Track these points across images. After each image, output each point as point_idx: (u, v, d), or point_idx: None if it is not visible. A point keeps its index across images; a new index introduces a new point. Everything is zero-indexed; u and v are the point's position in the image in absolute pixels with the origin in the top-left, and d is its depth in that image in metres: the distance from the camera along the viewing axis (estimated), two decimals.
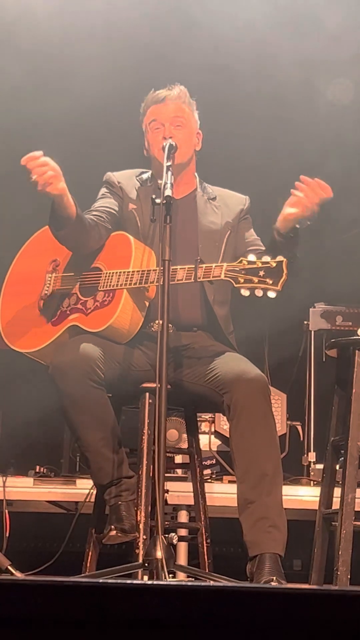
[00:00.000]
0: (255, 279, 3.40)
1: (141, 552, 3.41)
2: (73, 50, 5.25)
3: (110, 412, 3.57)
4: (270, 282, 3.38)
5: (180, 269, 3.57)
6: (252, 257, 3.44)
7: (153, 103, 3.91)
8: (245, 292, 3.41)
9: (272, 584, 3.28)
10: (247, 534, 3.44)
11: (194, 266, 3.53)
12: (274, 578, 3.31)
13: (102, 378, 3.53)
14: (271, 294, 3.39)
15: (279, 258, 3.41)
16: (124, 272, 3.65)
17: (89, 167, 4.32)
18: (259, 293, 3.39)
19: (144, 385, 3.66)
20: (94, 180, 4.06)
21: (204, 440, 4.84)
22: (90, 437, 3.55)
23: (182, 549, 4.58)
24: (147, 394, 3.65)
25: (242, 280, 3.42)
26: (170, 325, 3.61)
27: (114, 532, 3.51)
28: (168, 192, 3.39)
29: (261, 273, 3.40)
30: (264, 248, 3.84)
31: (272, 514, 3.43)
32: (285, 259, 3.40)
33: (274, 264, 3.39)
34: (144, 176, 3.97)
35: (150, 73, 4.81)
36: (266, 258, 3.42)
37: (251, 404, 3.50)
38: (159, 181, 3.50)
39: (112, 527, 3.51)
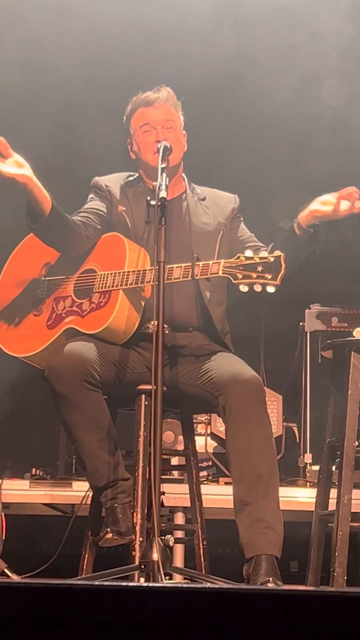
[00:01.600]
0: (254, 275, 3.40)
1: (137, 554, 3.41)
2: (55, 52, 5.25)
3: (106, 414, 3.57)
4: (269, 276, 3.38)
5: (176, 267, 3.56)
6: (249, 253, 3.43)
7: (141, 105, 3.92)
8: (244, 288, 3.41)
9: (269, 585, 3.28)
10: (243, 536, 3.43)
11: (190, 264, 3.53)
12: (270, 579, 3.31)
13: (97, 380, 3.53)
14: (270, 289, 3.38)
15: (277, 253, 3.41)
16: (119, 273, 3.65)
17: (74, 172, 4.32)
18: (257, 288, 3.39)
19: (140, 387, 3.65)
20: (81, 186, 4.06)
21: (200, 442, 4.84)
22: (86, 439, 3.54)
23: (179, 550, 4.58)
24: (143, 396, 3.64)
25: (240, 276, 3.41)
26: (165, 325, 3.61)
27: (110, 535, 3.50)
28: (163, 193, 3.37)
29: (259, 268, 3.39)
30: (261, 244, 3.85)
31: (268, 515, 3.43)
32: (282, 254, 3.40)
33: (272, 259, 3.39)
34: (132, 179, 3.98)
35: (137, 74, 4.81)
36: (263, 253, 3.42)
37: (246, 405, 3.50)
38: (154, 183, 3.50)
39: (108, 529, 3.51)
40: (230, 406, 3.50)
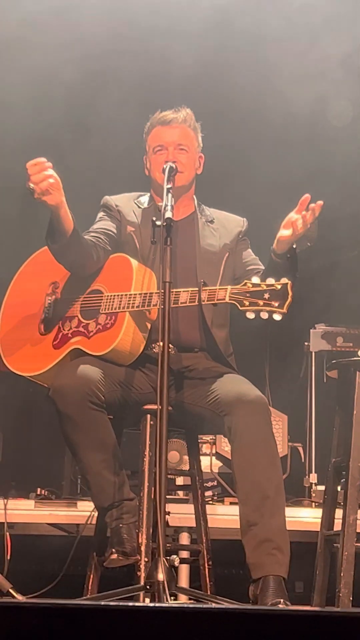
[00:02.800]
0: (261, 302, 3.40)
1: (143, 575, 3.40)
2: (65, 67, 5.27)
3: (111, 434, 3.57)
4: (276, 304, 3.38)
5: (183, 291, 3.57)
6: (256, 280, 3.43)
7: (159, 124, 3.93)
8: (250, 315, 3.41)
9: (280, 606, 3.26)
10: (250, 557, 3.43)
11: (197, 289, 3.53)
12: (281, 600, 3.30)
13: (102, 400, 3.53)
14: (277, 317, 3.38)
15: (284, 280, 3.41)
16: (126, 295, 3.65)
17: (88, 189, 4.33)
18: (264, 316, 3.39)
19: (146, 407, 3.66)
20: (92, 203, 4.08)
21: (205, 461, 4.83)
22: (90, 459, 3.54)
23: (184, 571, 4.57)
24: (149, 416, 3.65)
25: (247, 303, 3.42)
26: (171, 346, 3.62)
27: (115, 555, 3.49)
28: (168, 214, 3.38)
29: (266, 295, 3.40)
30: (263, 267, 3.85)
31: (275, 536, 3.42)
32: (290, 282, 3.40)
33: (279, 287, 3.39)
34: (142, 199, 3.99)
35: (150, 96, 4.84)
36: (270, 280, 3.42)
37: (251, 425, 3.50)
38: (159, 203, 3.51)
39: (113, 550, 3.50)
40: (236, 426, 3.50)
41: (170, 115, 3.93)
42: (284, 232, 3.62)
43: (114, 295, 3.68)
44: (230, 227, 3.99)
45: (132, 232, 3.88)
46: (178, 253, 3.70)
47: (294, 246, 3.67)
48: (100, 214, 3.98)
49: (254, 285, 3.43)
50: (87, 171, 5.31)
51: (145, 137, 3.98)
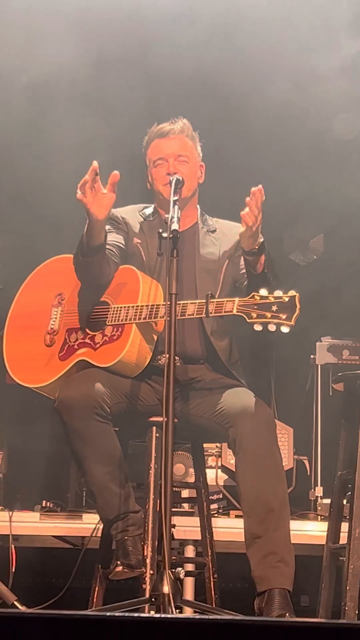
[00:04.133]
0: (269, 314, 3.40)
1: (148, 587, 3.39)
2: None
3: (117, 446, 3.57)
4: (284, 317, 3.38)
5: (190, 303, 3.56)
6: (263, 292, 3.43)
7: (157, 137, 3.94)
8: (257, 327, 3.41)
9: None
10: (256, 569, 3.42)
11: (204, 301, 3.53)
12: (287, 614, 3.29)
13: (108, 412, 3.53)
14: (284, 329, 3.38)
15: (291, 293, 3.41)
16: (132, 307, 3.65)
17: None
18: (272, 328, 3.39)
19: (152, 419, 3.65)
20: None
21: (210, 474, 4.82)
22: (96, 471, 3.54)
23: (189, 584, 4.56)
24: (154, 428, 3.65)
25: (254, 316, 3.42)
26: (177, 358, 3.62)
27: (120, 568, 3.49)
28: (175, 225, 3.38)
29: (274, 308, 3.39)
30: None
31: (280, 549, 3.42)
32: (297, 294, 3.40)
33: (287, 299, 3.39)
34: (147, 211, 4.00)
35: (154, 106, 4.84)
36: (278, 293, 3.41)
37: (256, 438, 3.50)
38: (166, 215, 3.51)
39: (119, 562, 3.50)
40: (241, 439, 3.50)
41: (167, 127, 3.94)
42: (241, 229, 3.59)
43: (121, 307, 3.68)
44: (231, 234, 3.97)
45: (138, 244, 3.89)
46: (182, 264, 3.71)
47: (261, 240, 3.60)
48: (107, 227, 3.93)
49: (262, 297, 3.42)
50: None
51: (144, 152, 3.99)
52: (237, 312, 3.46)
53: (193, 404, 3.71)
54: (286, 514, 3.49)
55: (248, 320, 3.42)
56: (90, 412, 3.50)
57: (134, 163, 4.06)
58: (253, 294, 3.46)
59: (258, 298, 3.43)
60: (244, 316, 3.44)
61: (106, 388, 3.56)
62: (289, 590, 3.40)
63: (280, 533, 3.44)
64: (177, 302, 3.47)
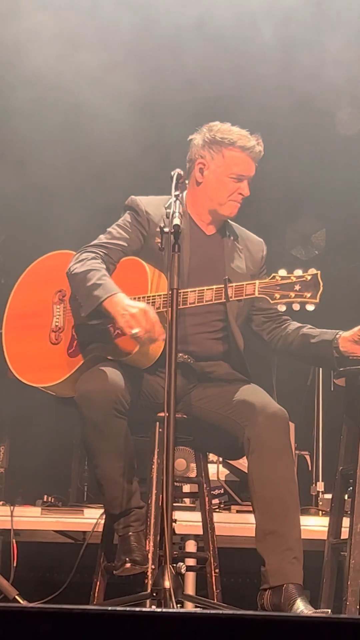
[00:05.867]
0: (292, 294, 3.37)
1: (150, 582, 3.39)
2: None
3: (130, 442, 3.54)
4: (308, 295, 3.36)
5: (207, 289, 3.50)
6: (283, 272, 3.41)
7: (246, 151, 3.74)
8: (281, 308, 3.39)
9: (319, 612, 3.28)
10: (271, 563, 3.42)
11: (222, 286, 3.48)
12: (314, 610, 3.34)
13: (126, 408, 3.50)
14: (310, 307, 3.37)
15: (312, 271, 3.39)
16: (144, 297, 3.57)
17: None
18: (296, 307, 3.37)
19: (160, 414, 3.62)
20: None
21: (212, 469, 4.82)
22: (108, 466, 3.51)
23: (190, 578, 4.56)
24: (158, 423, 3.64)
25: (278, 296, 3.39)
26: (186, 356, 3.62)
27: (129, 565, 3.47)
28: (177, 221, 3.31)
29: (297, 287, 3.37)
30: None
31: (295, 546, 3.45)
32: (319, 271, 3.38)
33: (309, 277, 3.38)
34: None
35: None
36: (298, 271, 3.40)
37: (274, 437, 3.51)
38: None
39: (127, 559, 3.48)
40: (257, 437, 3.51)
41: (257, 148, 3.74)
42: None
43: (132, 298, 3.55)
44: (254, 250, 3.90)
45: (159, 244, 3.74)
46: (207, 269, 3.68)
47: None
48: (127, 218, 3.80)
49: (283, 277, 3.40)
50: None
51: (212, 141, 3.76)
52: (259, 293, 3.43)
53: (207, 398, 3.69)
54: (298, 512, 3.53)
55: (272, 302, 3.40)
56: (110, 407, 3.46)
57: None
58: (273, 274, 3.43)
59: (279, 278, 3.40)
60: (267, 297, 3.41)
61: (125, 383, 3.51)
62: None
63: (296, 532, 3.47)
64: (192, 290, 3.45)
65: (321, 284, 3.35)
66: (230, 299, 3.50)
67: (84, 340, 3.68)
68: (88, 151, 5.37)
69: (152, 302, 3.55)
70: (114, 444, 3.50)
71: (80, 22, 5.11)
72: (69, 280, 3.67)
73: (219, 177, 3.77)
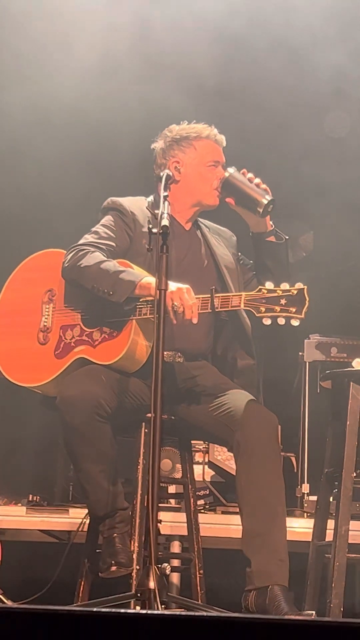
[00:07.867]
0: (277, 308, 3.38)
1: (134, 582, 3.39)
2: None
3: (113, 446, 3.55)
4: (293, 310, 3.37)
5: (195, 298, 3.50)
6: (270, 285, 3.42)
7: (211, 139, 3.86)
8: (266, 321, 3.39)
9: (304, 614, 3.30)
10: (258, 564, 3.43)
11: (209, 295, 3.50)
12: (299, 611, 3.35)
13: (108, 412, 3.50)
14: (294, 322, 3.38)
15: (299, 285, 3.40)
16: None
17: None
18: (281, 321, 3.38)
19: (149, 415, 3.61)
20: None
21: (197, 470, 4.82)
22: (91, 470, 3.52)
23: (175, 579, 4.56)
24: (144, 424, 3.64)
25: (263, 310, 3.39)
26: (179, 354, 3.63)
27: (114, 568, 3.48)
28: (165, 222, 3.29)
29: (283, 301, 3.38)
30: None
31: (281, 548, 3.47)
32: (305, 286, 3.40)
33: (295, 292, 3.38)
34: (154, 203, 3.83)
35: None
36: (285, 285, 3.41)
37: (263, 441, 3.53)
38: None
39: (112, 561, 3.49)
40: (247, 441, 3.52)
41: (219, 135, 3.88)
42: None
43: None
44: (226, 236, 4.00)
45: (145, 245, 3.74)
46: (193, 261, 3.70)
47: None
48: (111, 219, 3.81)
49: (269, 291, 3.41)
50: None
51: (185, 138, 3.85)
52: (245, 306, 3.45)
53: (195, 400, 3.70)
54: (285, 516, 3.54)
55: (256, 315, 3.40)
56: (91, 412, 3.47)
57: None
58: (260, 287, 3.44)
59: (265, 291, 3.41)
60: (252, 311, 3.42)
61: (108, 387, 3.52)
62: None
63: (283, 534, 3.49)
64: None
65: (307, 298, 3.36)
66: (216, 309, 3.51)
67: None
68: (78, 150, 5.37)
69: (138, 309, 3.55)
70: (96, 449, 3.50)
71: (79, 22, 5.11)
72: (78, 275, 3.63)
73: (196, 168, 3.85)
